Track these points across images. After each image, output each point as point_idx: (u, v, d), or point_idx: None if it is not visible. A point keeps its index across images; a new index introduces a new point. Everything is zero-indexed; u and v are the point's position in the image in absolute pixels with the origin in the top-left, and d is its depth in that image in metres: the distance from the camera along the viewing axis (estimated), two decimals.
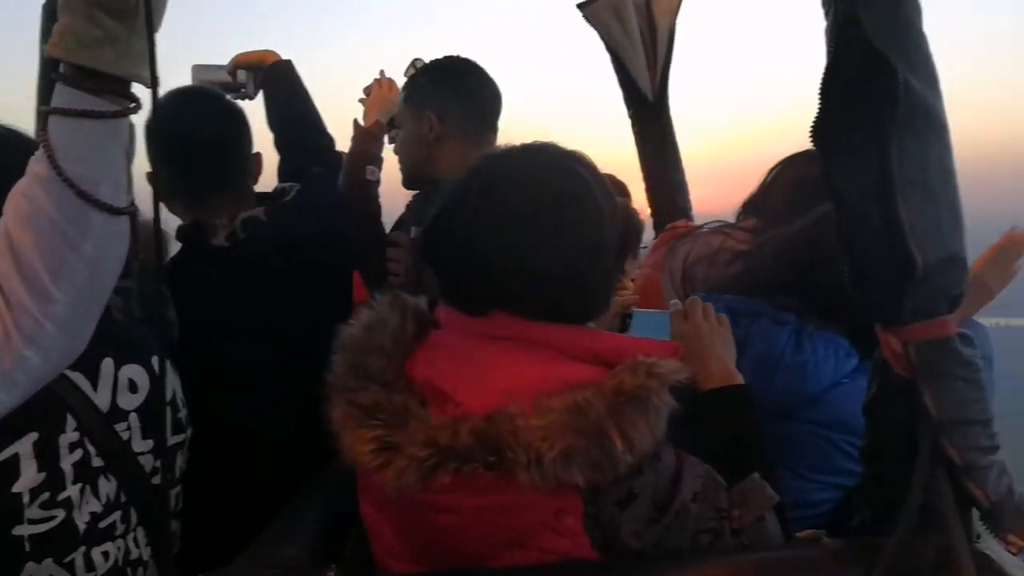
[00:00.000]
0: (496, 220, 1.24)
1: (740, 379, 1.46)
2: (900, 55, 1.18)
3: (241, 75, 2.44)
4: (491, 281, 1.24)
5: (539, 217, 1.24)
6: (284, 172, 2.29)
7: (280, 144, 2.32)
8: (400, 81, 2.35)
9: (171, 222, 2.08)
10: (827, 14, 1.22)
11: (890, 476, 1.25)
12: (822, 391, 1.53)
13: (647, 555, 1.20)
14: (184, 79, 2.49)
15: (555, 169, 1.29)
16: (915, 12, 1.19)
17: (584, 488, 1.13)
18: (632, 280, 2.19)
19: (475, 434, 1.12)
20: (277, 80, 2.35)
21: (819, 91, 1.22)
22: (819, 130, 1.23)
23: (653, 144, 2.69)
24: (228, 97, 2.15)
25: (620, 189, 2.89)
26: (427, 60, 2.30)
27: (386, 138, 2.36)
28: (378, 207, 2.20)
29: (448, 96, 2.15)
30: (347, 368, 1.25)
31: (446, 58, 2.25)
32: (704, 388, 1.45)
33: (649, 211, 2.75)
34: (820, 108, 1.22)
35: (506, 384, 1.16)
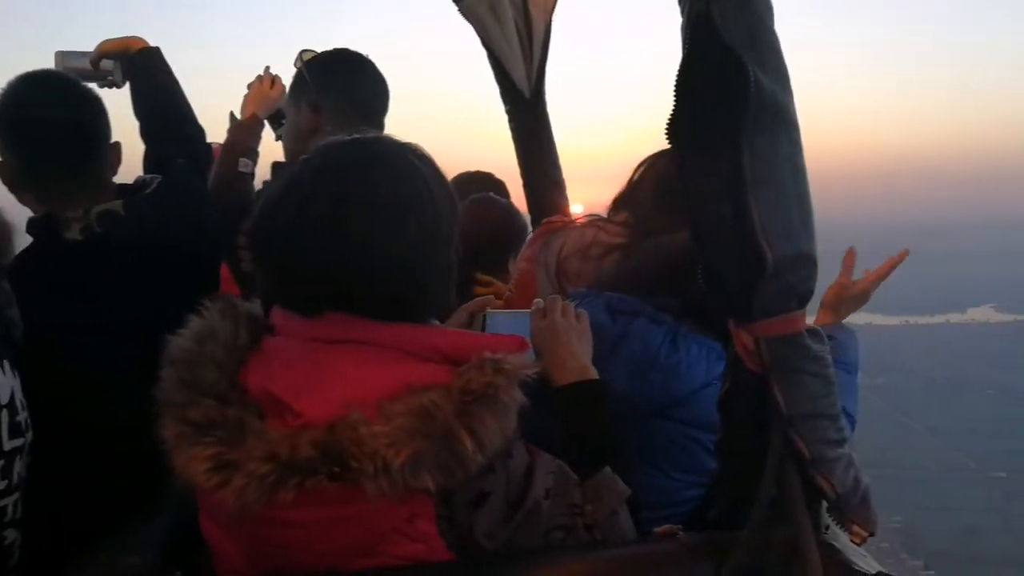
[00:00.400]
0: (328, 212, 1.17)
1: (594, 374, 1.46)
2: (751, 53, 1.18)
3: (108, 63, 2.34)
4: (325, 278, 1.17)
5: (374, 207, 1.18)
6: (148, 163, 2.20)
7: (145, 134, 2.23)
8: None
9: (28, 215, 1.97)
10: (682, 11, 1.22)
11: (743, 470, 1.26)
12: (693, 392, 1.55)
13: (502, 555, 1.18)
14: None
15: (389, 158, 1.24)
16: (766, 10, 1.20)
17: (435, 491, 1.10)
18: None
19: (317, 446, 1.07)
20: (143, 67, 2.26)
21: (674, 89, 1.22)
22: (674, 128, 1.23)
23: (530, 141, 2.69)
24: (88, 84, 2.05)
25: (498, 188, 2.89)
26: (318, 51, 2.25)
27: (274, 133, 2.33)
28: (250, 200, 2.13)
29: (324, 88, 2.11)
30: (177, 383, 1.16)
31: (333, 51, 2.20)
32: (559, 383, 1.44)
33: (527, 208, 2.77)
34: (675, 106, 1.22)
35: (347, 390, 1.11)
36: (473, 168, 3.16)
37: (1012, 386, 72.36)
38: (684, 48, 1.21)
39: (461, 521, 1.15)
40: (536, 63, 2.52)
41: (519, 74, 2.51)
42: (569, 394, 1.42)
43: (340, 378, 1.13)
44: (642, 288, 1.66)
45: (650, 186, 1.80)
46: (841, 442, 1.26)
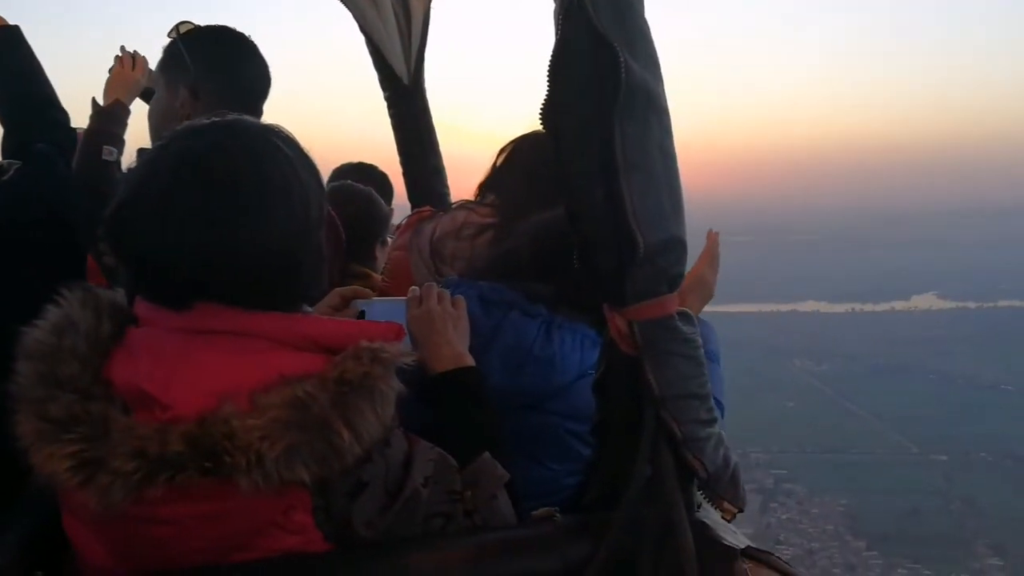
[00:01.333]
0: (190, 200, 1.13)
1: (470, 361, 1.46)
2: (622, 39, 1.20)
3: None
4: (192, 266, 1.13)
5: (238, 192, 1.14)
6: (6, 149, 2.09)
7: (5, 118, 2.12)
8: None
9: None
10: None
11: (619, 452, 1.29)
12: (568, 384, 1.54)
13: (382, 544, 1.18)
14: None
15: (252, 140, 1.20)
16: None
17: (311, 483, 1.09)
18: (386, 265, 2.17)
19: (187, 440, 1.05)
20: (1, 49, 2.11)
21: (547, 73, 1.22)
22: (548, 112, 1.23)
23: (409, 128, 2.66)
24: None
25: (381, 180, 2.83)
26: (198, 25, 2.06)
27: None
28: (114, 188, 2.05)
29: (205, 72, 1.97)
30: (35, 377, 1.11)
31: (214, 29, 2.05)
32: (435, 371, 1.44)
33: (407, 196, 2.75)
34: (548, 90, 1.23)
35: (218, 383, 1.08)
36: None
37: (953, 371, 74.85)
38: (557, 34, 1.21)
39: (339, 511, 1.15)
40: (415, 50, 2.49)
41: (398, 61, 2.48)
42: (446, 382, 1.42)
43: (210, 370, 1.10)
44: (517, 272, 1.65)
45: (516, 169, 1.82)
46: (711, 422, 1.29)
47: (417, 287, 1.57)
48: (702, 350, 1.29)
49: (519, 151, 1.81)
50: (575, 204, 1.24)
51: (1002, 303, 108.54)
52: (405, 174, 2.74)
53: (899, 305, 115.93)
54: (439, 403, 1.41)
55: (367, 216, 2.48)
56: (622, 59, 1.18)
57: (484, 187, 1.89)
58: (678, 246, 1.26)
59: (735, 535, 1.30)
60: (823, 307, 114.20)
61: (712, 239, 1.84)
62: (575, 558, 1.24)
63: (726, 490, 1.29)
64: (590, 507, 1.32)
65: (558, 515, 1.27)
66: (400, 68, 2.49)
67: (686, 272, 1.72)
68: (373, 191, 2.56)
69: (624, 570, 1.25)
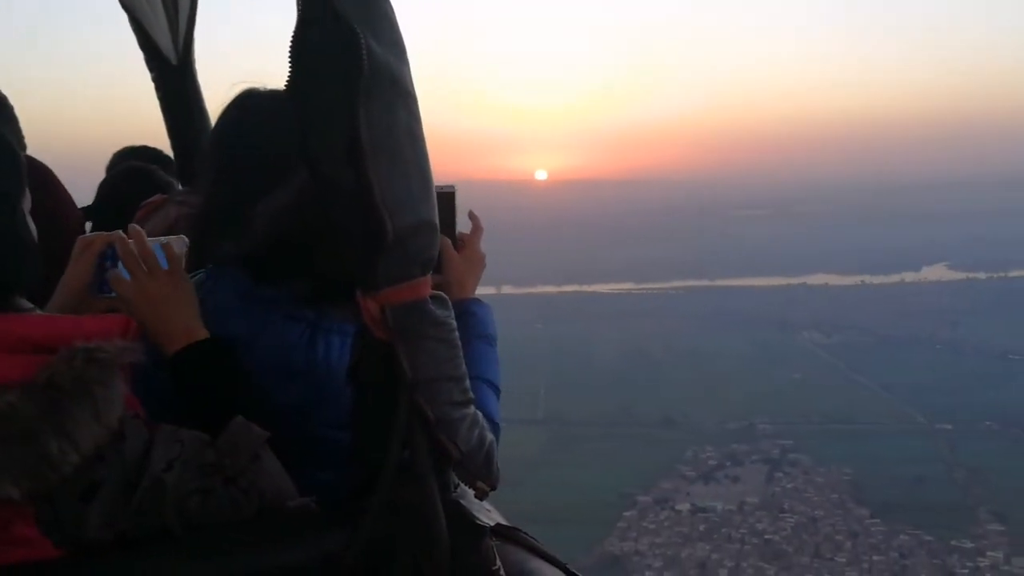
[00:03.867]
0: None
1: (203, 333, 1.39)
2: (363, 20, 1.19)
3: None
4: None
5: None
6: None
7: None
8: None
9: None
10: None
11: (375, 438, 1.28)
12: (338, 391, 1.39)
13: (129, 539, 1.15)
14: None
15: None
16: None
17: (27, 496, 1.04)
18: None
19: None
20: None
21: (288, 53, 1.22)
22: (292, 93, 1.23)
23: (178, 107, 2.56)
24: None
25: (164, 162, 2.71)
26: None
27: None
28: None
29: None
30: None
31: None
32: (169, 351, 1.38)
33: (178, 178, 2.64)
34: (290, 71, 1.22)
35: None
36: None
37: (961, 342, 74.50)
38: (299, 13, 1.20)
39: (69, 517, 1.11)
40: (183, 28, 2.39)
41: (164, 40, 2.38)
42: (181, 360, 1.38)
43: None
44: (271, 275, 1.49)
45: (203, 158, 1.65)
46: (466, 403, 1.30)
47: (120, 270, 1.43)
48: (456, 333, 1.29)
49: (223, 133, 1.65)
50: (325, 190, 1.24)
51: (1013, 273, 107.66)
52: (175, 155, 2.66)
53: (909, 277, 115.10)
54: (179, 382, 1.36)
55: (135, 198, 2.23)
56: (363, 41, 1.18)
57: (194, 177, 1.79)
58: (429, 229, 1.26)
59: (489, 513, 1.32)
60: (833, 279, 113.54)
61: (474, 218, 1.76)
62: (333, 547, 1.24)
63: (479, 470, 1.30)
64: (349, 495, 1.31)
65: (314, 504, 1.28)
66: (167, 46, 2.42)
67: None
68: (158, 170, 2.49)
69: (383, 554, 1.27)
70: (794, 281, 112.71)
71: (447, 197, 1.63)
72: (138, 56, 2.49)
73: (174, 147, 2.64)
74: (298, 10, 1.21)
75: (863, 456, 49.93)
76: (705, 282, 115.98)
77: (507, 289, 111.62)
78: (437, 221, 1.27)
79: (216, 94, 1.67)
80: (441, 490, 1.28)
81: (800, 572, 37.44)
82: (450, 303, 1.29)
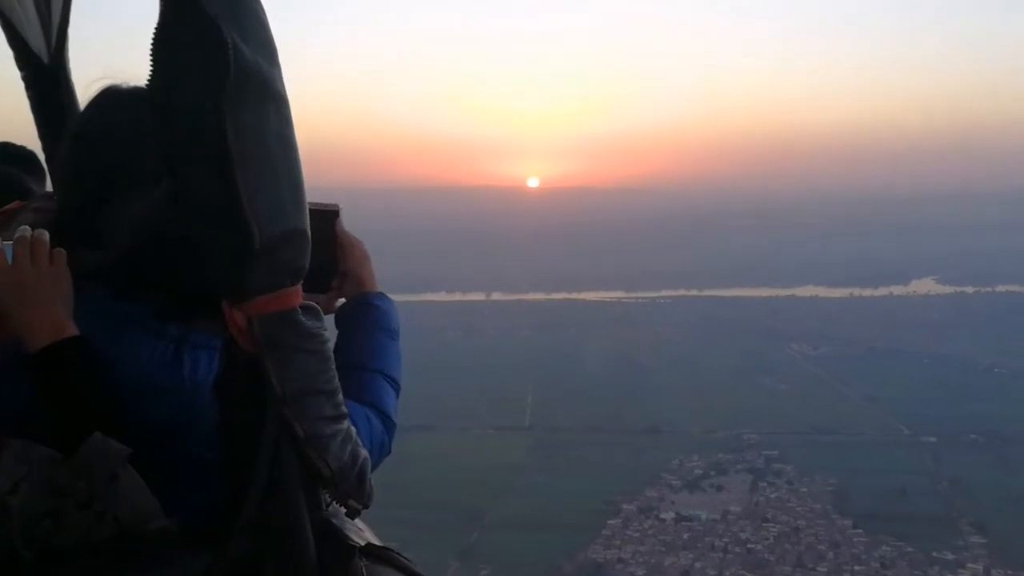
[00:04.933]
0: None
1: (72, 331, 1.32)
2: (232, 23, 1.15)
3: None
4: None
5: None
6: None
7: None
8: None
9: None
10: None
11: (243, 456, 1.23)
12: (205, 409, 1.30)
13: None
14: None
15: None
16: None
17: None
18: None
19: None
20: None
21: (150, 51, 1.17)
22: (153, 93, 1.18)
23: (50, 109, 2.41)
24: None
25: (28, 160, 2.62)
26: None
27: None
28: None
29: None
30: None
31: None
32: (33, 347, 1.29)
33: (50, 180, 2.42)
34: (152, 69, 1.17)
35: None
36: None
37: (947, 355, 74.76)
38: (161, 13, 1.16)
39: None
40: (56, 27, 2.27)
41: (36, 38, 2.26)
42: (46, 357, 1.29)
43: None
44: (134, 289, 1.40)
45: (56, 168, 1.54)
46: (339, 418, 1.25)
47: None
48: (328, 344, 1.25)
49: (78, 134, 1.54)
50: (189, 196, 1.19)
51: (1000, 288, 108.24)
52: (47, 160, 2.57)
53: (898, 290, 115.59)
54: (40, 383, 1.28)
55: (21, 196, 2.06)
56: (229, 41, 1.14)
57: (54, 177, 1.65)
58: (299, 238, 1.21)
59: (360, 532, 1.28)
60: (822, 292, 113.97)
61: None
62: (197, 570, 1.20)
63: (351, 487, 1.26)
64: (215, 514, 1.25)
65: (174, 527, 1.22)
66: (38, 45, 2.34)
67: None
68: (19, 173, 2.39)
69: (249, 574, 1.22)
70: (783, 292, 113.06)
71: (330, 216, 1.59)
72: (7, 54, 2.40)
73: (45, 149, 2.54)
74: (160, 5, 1.17)
75: (847, 467, 50.01)
76: (695, 292, 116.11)
77: (496, 295, 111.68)
78: (309, 229, 1.23)
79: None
80: (310, 508, 1.24)
81: None
82: (321, 314, 1.25)
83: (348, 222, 1.67)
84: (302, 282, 1.23)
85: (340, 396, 1.26)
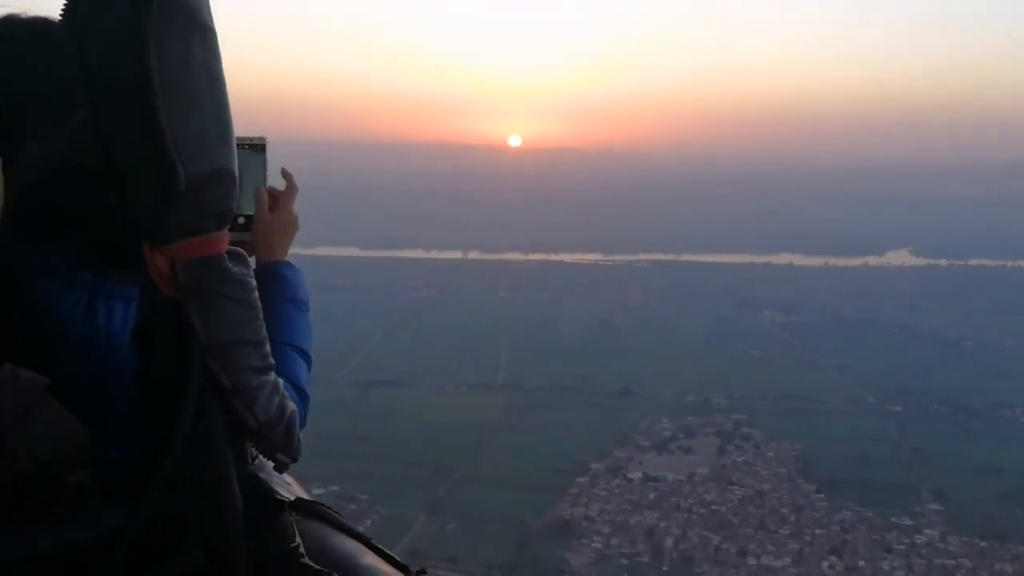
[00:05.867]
0: None
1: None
2: None
3: None
4: None
5: None
6: None
7: None
8: None
9: None
10: None
11: (165, 407, 1.18)
12: (124, 361, 1.23)
13: None
14: None
15: None
16: None
17: None
18: None
19: None
20: None
21: None
22: (69, 20, 1.10)
23: None
24: None
25: None
26: None
27: None
28: None
29: None
30: None
31: None
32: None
33: None
34: None
35: None
36: None
37: (919, 327, 75.99)
38: None
39: None
40: None
41: None
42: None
43: None
44: (46, 236, 1.31)
45: None
46: (266, 369, 1.20)
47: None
48: (256, 293, 1.19)
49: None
50: (107, 127, 1.12)
51: (972, 262, 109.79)
52: None
53: (873, 260, 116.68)
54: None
55: None
56: None
57: None
58: (226, 178, 1.15)
59: (288, 487, 1.24)
60: (797, 260, 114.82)
61: (287, 176, 1.59)
62: (111, 525, 1.15)
63: (279, 441, 1.21)
64: (136, 471, 1.19)
65: (87, 480, 1.18)
66: None
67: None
68: None
69: (170, 532, 1.17)
70: (759, 260, 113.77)
71: (257, 149, 1.51)
72: None
73: None
74: None
75: (813, 433, 50.96)
76: (672, 256, 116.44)
77: (473, 255, 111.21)
78: (236, 170, 1.16)
79: None
80: (237, 462, 1.19)
81: (743, 542, 38.28)
82: (249, 260, 1.19)
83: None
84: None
85: (268, 347, 1.20)
